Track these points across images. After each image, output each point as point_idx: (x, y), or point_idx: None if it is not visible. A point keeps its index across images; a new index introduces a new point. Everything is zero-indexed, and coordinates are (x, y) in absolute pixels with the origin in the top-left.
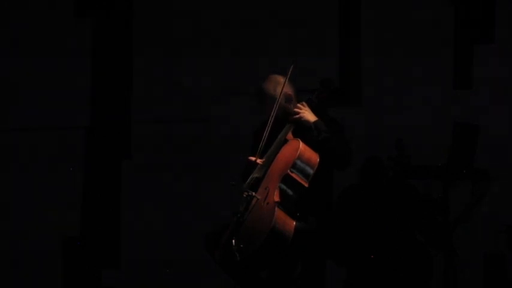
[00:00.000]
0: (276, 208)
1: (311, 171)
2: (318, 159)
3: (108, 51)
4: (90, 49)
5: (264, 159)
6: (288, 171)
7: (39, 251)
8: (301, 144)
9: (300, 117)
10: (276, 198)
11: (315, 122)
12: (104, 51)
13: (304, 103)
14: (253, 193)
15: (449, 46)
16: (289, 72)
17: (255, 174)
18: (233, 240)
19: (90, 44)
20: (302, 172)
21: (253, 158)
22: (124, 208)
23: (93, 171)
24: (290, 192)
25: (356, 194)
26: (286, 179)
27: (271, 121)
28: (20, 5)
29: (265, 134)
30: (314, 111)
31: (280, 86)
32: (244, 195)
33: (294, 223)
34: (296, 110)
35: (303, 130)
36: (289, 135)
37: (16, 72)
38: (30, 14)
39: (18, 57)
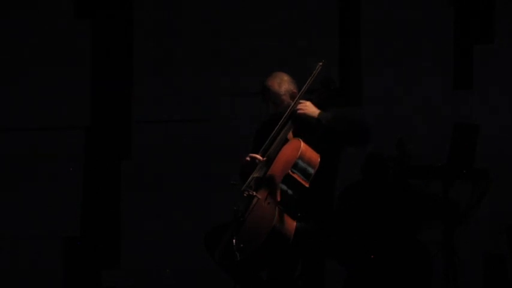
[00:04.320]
0: (277, 208)
1: (312, 171)
2: (319, 159)
3: (108, 51)
4: (90, 49)
5: (265, 159)
6: (289, 171)
7: (39, 251)
8: (302, 144)
9: (304, 113)
10: (277, 198)
11: (319, 114)
12: (104, 51)
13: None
14: (254, 193)
15: (449, 46)
16: (316, 72)
17: (255, 174)
18: (234, 240)
19: (90, 44)
20: (303, 172)
21: (257, 156)
22: (124, 208)
23: (93, 171)
24: (291, 192)
25: (358, 192)
26: (287, 179)
27: (284, 120)
28: (20, 5)
29: (276, 130)
30: None
31: (284, 82)
32: (245, 195)
33: (295, 223)
34: (298, 106)
35: (304, 128)
36: (290, 135)
37: (16, 72)
38: (30, 14)
39: (18, 57)
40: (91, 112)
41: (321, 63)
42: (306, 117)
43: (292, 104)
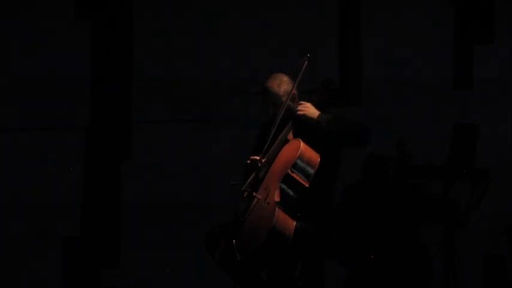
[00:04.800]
0: (277, 208)
1: (312, 171)
2: (319, 159)
3: (108, 51)
4: (90, 49)
5: (265, 159)
6: (289, 171)
7: (39, 251)
8: (302, 144)
9: (304, 114)
10: (277, 198)
11: (319, 116)
12: (104, 51)
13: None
14: (254, 193)
15: (449, 46)
16: (303, 69)
17: (256, 174)
18: (234, 240)
19: (90, 44)
20: (303, 172)
21: (257, 157)
22: (124, 208)
23: (93, 171)
24: (290, 192)
25: (358, 192)
26: (287, 179)
27: (279, 119)
28: (20, 5)
29: (272, 131)
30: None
31: (284, 83)
32: (245, 195)
33: (294, 223)
34: (299, 107)
35: (304, 128)
36: (290, 135)
37: (16, 72)
38: (30, 14)
39: (19, 57)
40: (91, 112)
41: (305, 59)
42: (306, 119)
43: (284, 103)
